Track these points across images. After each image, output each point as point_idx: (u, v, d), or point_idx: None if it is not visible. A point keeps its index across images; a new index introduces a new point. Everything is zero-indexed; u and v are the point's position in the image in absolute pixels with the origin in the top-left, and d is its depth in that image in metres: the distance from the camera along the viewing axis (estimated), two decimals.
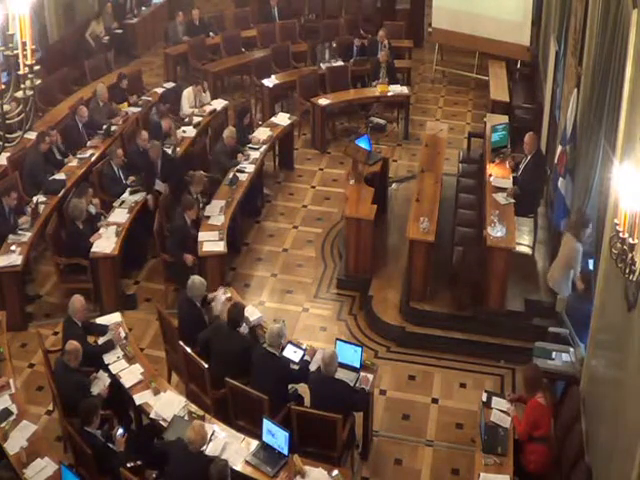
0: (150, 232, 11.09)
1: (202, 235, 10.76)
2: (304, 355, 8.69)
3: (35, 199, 11.35)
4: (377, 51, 16.52)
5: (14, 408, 7.88)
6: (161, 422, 7.86)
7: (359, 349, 8.57)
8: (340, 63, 16.64)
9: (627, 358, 6.32)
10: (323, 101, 15.06)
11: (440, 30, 18.17)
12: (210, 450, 7.45)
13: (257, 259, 11.99)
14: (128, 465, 7.26)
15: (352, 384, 8.19)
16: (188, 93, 14.64)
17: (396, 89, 15.50)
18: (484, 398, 8.12)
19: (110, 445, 7.45)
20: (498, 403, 8.04)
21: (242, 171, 12.37)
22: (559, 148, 10.72)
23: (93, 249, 10.45)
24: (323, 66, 16.57)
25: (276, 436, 7.48)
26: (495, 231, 10.23)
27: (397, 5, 20.37)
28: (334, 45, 17.35)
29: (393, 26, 18.45)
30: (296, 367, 8.48)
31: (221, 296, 9.49)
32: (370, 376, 8.45)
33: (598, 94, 8.84)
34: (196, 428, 7.20)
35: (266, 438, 7.58)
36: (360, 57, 16.88)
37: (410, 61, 17.99)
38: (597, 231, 8.71)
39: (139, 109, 14.57)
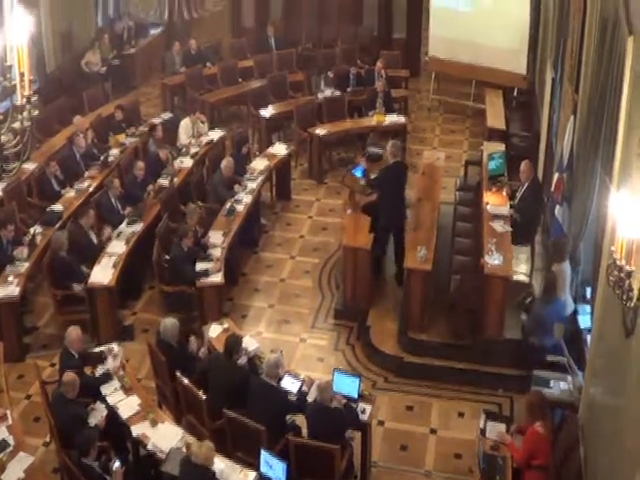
0: (147, 262, 11.19)
1: (199, 265, 10.84)
2: (302, 386, 8.76)
3: (32, 230, 11.46)
4: (374, 80, 16.69)
5: (11, 440, 7.92)
6: (158, 454, 7.89)
7: (357, 379, 8.64)
8: (337, 93, 16.80)
9: (625, 385, 6.36)
10: (320, 131, 15.23)
11: (436, 59, 18.40)
12: None
13: (254, 290, 12.07)
14: None
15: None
16: (185, 123, 14.80)
17: (392, 118, 15.71)
18: (482, 420, 8.19)
19: (107, 477, 7.49)
20: (495, 427, 8.12)
21: (239, 201, 12.50)
22: (556, 175, 10.82)
23: (90, 280, 10.54)
24: (320, 96, 16.74)
25: (274, 467, 7.52)
26: (492, 259, 10.30)
27: (394, 34, 20.62)
28: (331, 75, 17.52)
29: (390, 55, 18.65)
30: (294, 398, 8.54)
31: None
32: (368, 407, 8.49)
33: (595, 121, 8.92)
34: (203, 446, 7.30)
35: (264, 469, 7.62)
36: (357, 87, 17.07)
37: (407, 90, 18.22)
38: (595, 258, 8.79)
39: (136, 139, 14.69)
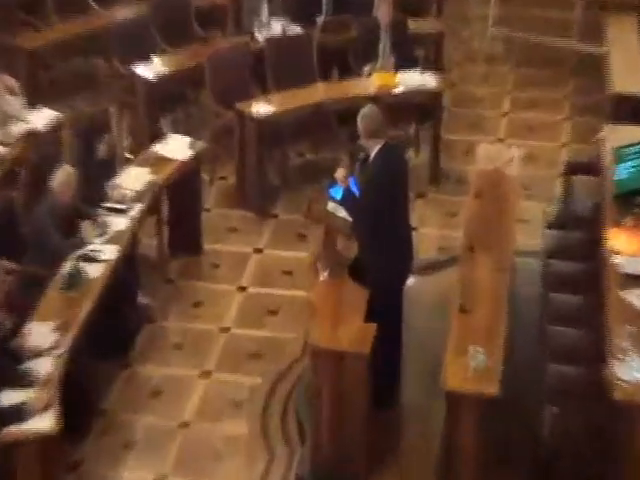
0: None
1: (8, 396, 10.66)
2: None
3: None
4: (371, 3, 16.72)
5: None
6: None
7: None
8: (295, 28, 16.87)
9: None
10: (261, 108, 15.28)
11: None
12: None
13: (127, 445, 11.94)
14: None
15: None
16: None
17: (412, 79, 15.81)
18: None
19: None
20: None
21: (93, 258, 12.39)
22: None
23: None
24: (260, 35, 16.75)
25: None
26: (630, 370, 10.22)
27: None
28: None
29: None
30: None
31: None
32: None
33: None
34: None
35: None
36: (335, 16, 17.10)
37: (440, 20, 18.30)
38: None
39: None
